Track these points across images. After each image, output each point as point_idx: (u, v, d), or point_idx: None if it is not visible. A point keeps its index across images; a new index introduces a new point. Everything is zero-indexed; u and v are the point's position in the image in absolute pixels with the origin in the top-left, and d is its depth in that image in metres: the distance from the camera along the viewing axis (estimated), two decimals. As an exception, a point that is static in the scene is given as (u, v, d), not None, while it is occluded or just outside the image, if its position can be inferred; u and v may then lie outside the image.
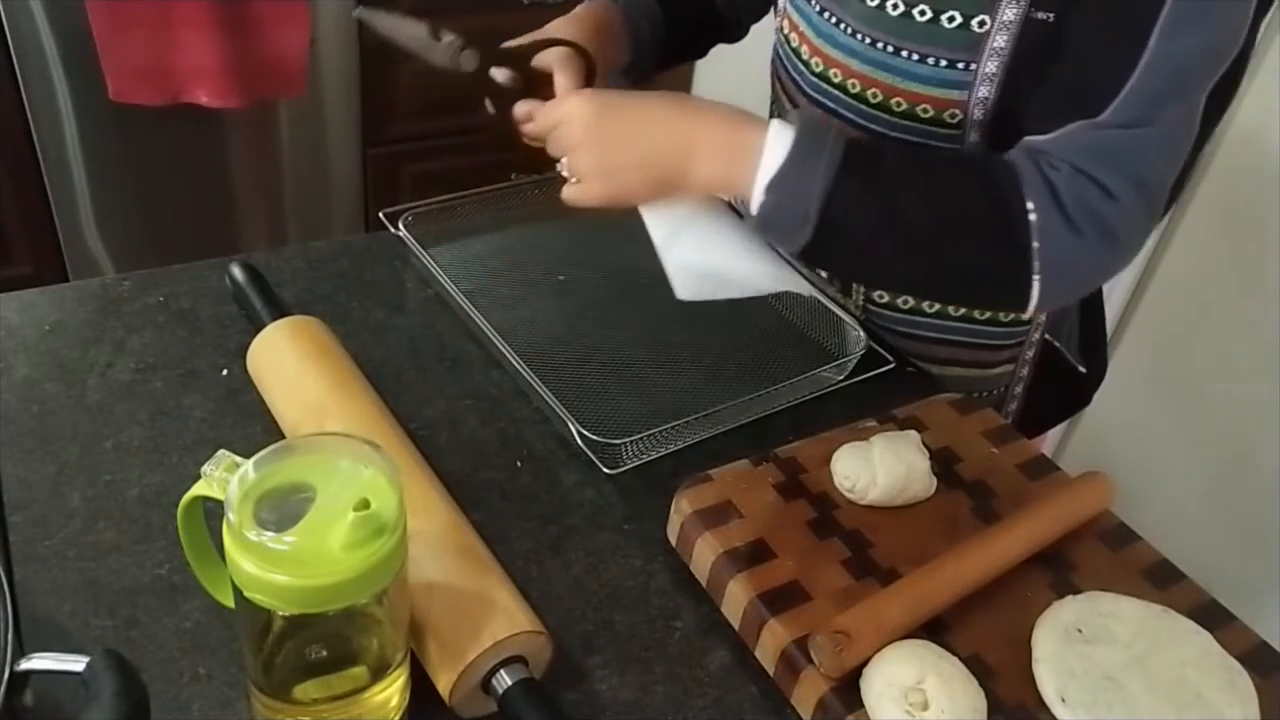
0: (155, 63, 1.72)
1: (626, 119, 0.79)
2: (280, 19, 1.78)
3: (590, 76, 0.88)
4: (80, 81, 1.74)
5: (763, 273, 0.87)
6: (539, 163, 0.89)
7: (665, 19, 1.03)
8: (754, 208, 0.77)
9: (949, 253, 0.77)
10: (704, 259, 0.85)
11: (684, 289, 0.84)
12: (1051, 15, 0.76)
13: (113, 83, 1.72)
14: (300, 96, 1.89)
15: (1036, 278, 0.74)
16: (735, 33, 1.13)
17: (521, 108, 0.86)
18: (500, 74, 0.84)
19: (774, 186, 0.76)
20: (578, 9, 0.98)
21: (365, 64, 1.96)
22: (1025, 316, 0.78)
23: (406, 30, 0.83)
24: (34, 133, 1.77)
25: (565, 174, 0.83)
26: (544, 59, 0.87)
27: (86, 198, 1.87)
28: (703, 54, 1.13)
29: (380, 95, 2.01)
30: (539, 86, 0.85)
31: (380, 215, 1.00)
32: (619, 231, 1.09)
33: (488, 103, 0.87)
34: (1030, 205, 0.73)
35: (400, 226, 0.99)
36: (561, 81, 0.85)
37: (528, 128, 0.84)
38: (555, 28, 0.93)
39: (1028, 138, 0.77)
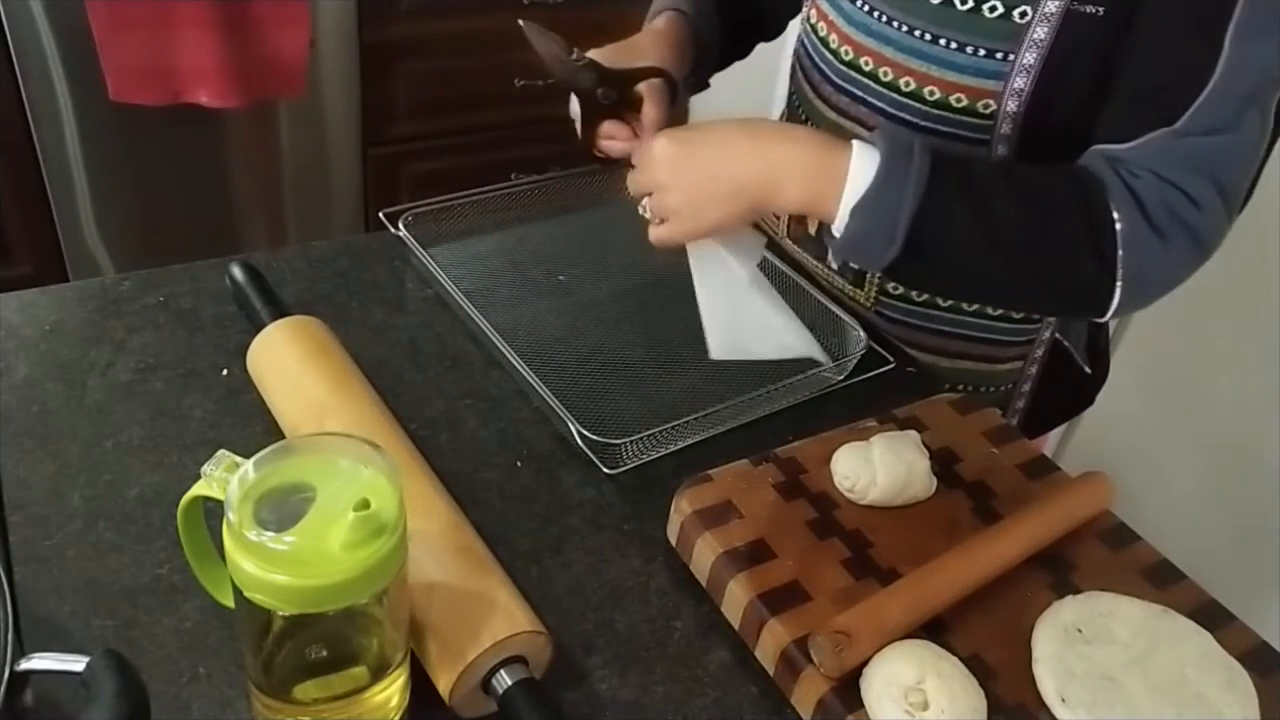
0: (155, 63, 1.72)
1: (711, 155, 0.79)
2: (280, 19, 1.78)
3: (672, 101, 0.91)
4: (80, 81, 1.74)
5: (790, 341, 0.87)
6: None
7: (722, 25, 1.04)
8: (837, 231, 0.77)
9: (1036, 265, 0.77)
10: (739, 322, 0.86)
11: (718, 350, 0.85)
12: (1101, 9, 0.77)
13: (113, 83, 1.72)
14: (300, 96, 1.89)
15: (1119, 285, 0.75)
16: (775, 31, 1.14)
17: (617, 137, 0.88)
18: (600, 92, 0.88)
19: (859, 211, 0.75)
20: (658, 23, 0.99)
21: (365, 64, 1.96)
22: (1100, 320, 0.79)
23: (548, 43, 0.87)
24: (34, 133, 1.77)
25: (647, 215, 0.83)
26: (639, 85, 0.89)
27: (86, 198, 1.87)
28: (748, 53, 1.14)
29: (380, 95, 2.01)
30: (627, 107, 0.89)
31: (380, 215, 1.00)
32: (619, 231, 1.10)
33: (573, 103, 0.90)
34: (1116, 215, 0.73)
35: (400, 226, 0.99)
36: (650, 113, 0.87)
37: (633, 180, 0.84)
38: (644, 45, 0.95)
39: (1102, 146, 0.78)
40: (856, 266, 0.97)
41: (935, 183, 0.73)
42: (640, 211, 0.84)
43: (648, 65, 0.90)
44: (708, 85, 1.09)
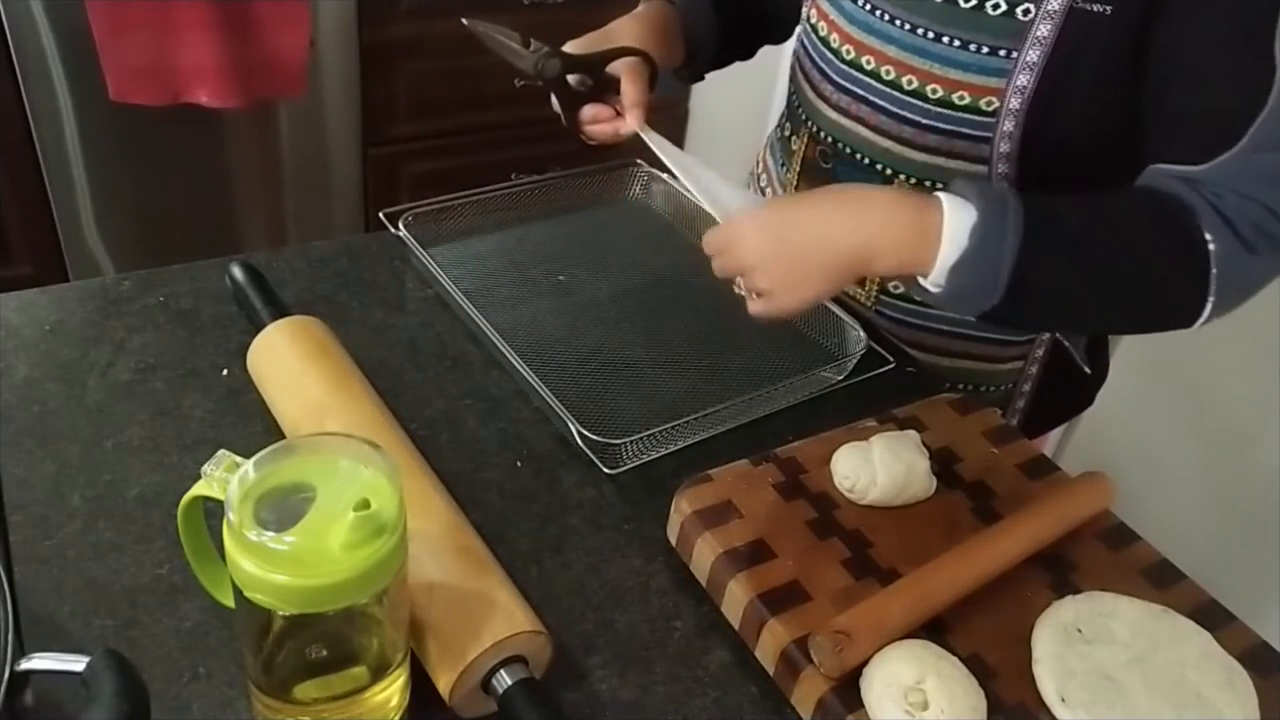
0: (155, 63, 1.72)
1: (802, 233, 0.77)
2: (280, 19, 1.78)
3: (653, 81, 0.92)
4: (80, 81, 1.74)
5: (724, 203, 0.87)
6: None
7: (719, 21, 1.05)
8: (934, 287, 0.77)
9: (1138, 295, 0.78)
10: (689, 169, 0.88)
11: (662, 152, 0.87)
12: (1109, 8, 0.77)
13: (113, 83, 1.72)
14: (300, 96, 1.89)
15: (1211, 300, 0.76)
16: (782, 33, 1.14)
17: (600, 118, 0.91)
18: (574, 79, 0.89)
19: (959, 269, 0.75)
20: (639, 9, 1.00)
21: (365, 64, 1.96)
22: (1189, 330, 0.82)
23: (499, 37, 0.89)
24: (34, 133, 1.77)
25: (741, 292, 0.82)
26: (614, 67, 0.91)
27: (86, 198, 1.87)
28: (751, 55, 1.14)
29: (380, 95, 2.01)
30: (606, 90, 0.90)
31: (380, 215, 1.00)
32: (619, 231, 1.10)
33: (554, 100, 0.91)
34: (1209, 237, 0.74)
35: (400, 226, 0.99)
36: (628, 91, 0.89)
37: (713, 259, 0.82)
38: (620, 29, 0.96)
39: (1168, 167, 0.77)
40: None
41: (1032, 232, 0.73)
42: (735, 289, 0.83)
43: (618, 46, 0.91)
44: (702, 78, 1.10)
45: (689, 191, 0.88)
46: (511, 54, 0.90)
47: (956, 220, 0.74)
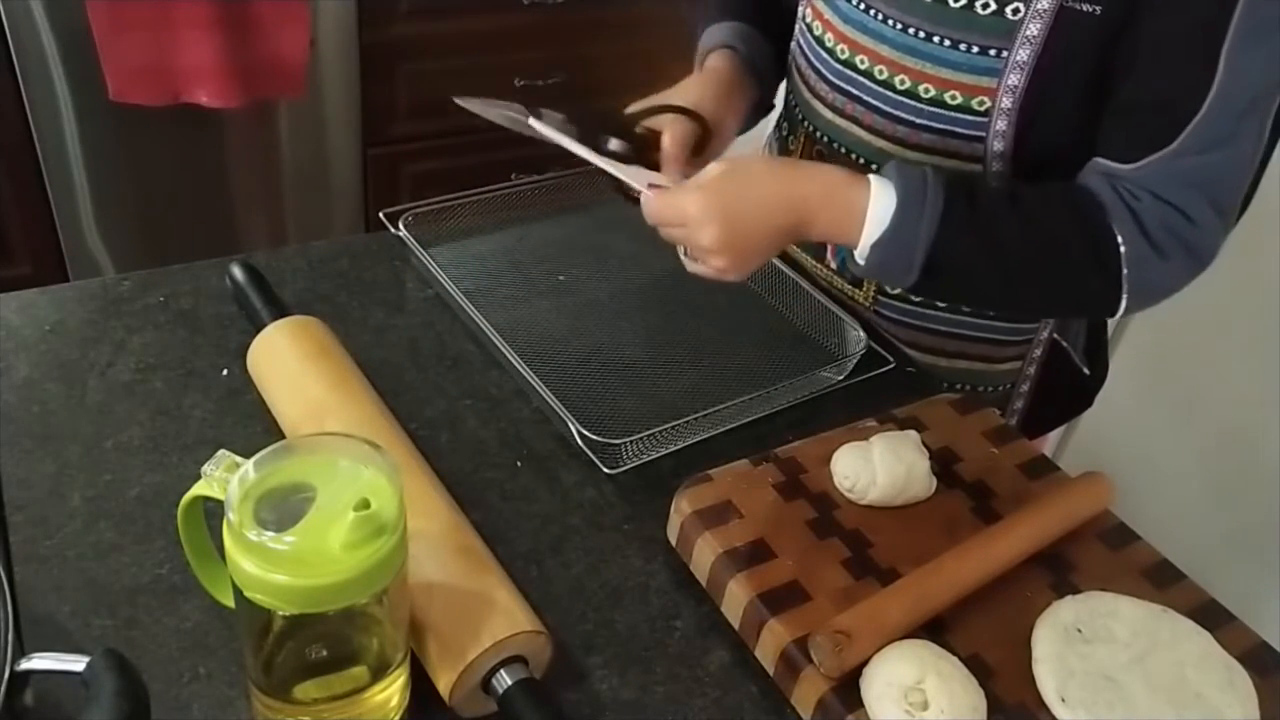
0: (155, 63, 1.72)
1: (749, 211, 0.81)
2: (280, 19, 1.78)
3: (706, 137, 0.93)
4: (80, 81, 1.74)
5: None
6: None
7: (775, 49, 1.05)
8: (860, 259, 0.82)
9: (1046, 284, 0.84)
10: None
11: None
12: (1098, 8, 0.78)
13: (113, 83, 1.72)
14: (300, 96, 1.88)
15: (1125, 297, 0.80)
16: None
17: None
18: (615, 144, 0.89)
19: (879, 245, 0.80)
20: (708, 66, 1.00)
21: (365, 64, 1.96)
22: (1110, 318, 0.89)
23: (500, 112, 0.89)
24: (34, 133, 1.77)
25: (684, 257, 0.86)
26: (656, 121, 0.91)
27: (86, 198, 1.87)
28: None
29: (380, 95, 2.01)
30: (649, 151, 0.89)
31: (380, 215, 1.00)
32: (619, 231, 1.10)
33: (605, 177, 0.89)
34: (1120, 238, 0.78)
35: (400, 226, 0.99)
36: (666, 147, 0.90)
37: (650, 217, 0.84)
38: (679, 90, 0.95)
39: (1102, 161, 0.81)
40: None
41: (948, 216, 0.78)
42: (681, 256, 0.86)
43: (660, 104, 0.91)
44: (773, 107, 1.09)
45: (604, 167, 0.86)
46: (519, 126, 0.89)
47: (879, 202, 0.80)
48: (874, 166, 0.94)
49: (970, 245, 0.80)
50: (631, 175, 0.85)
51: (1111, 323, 1.65)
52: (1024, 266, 0.81)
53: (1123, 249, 0.78)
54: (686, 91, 0.95)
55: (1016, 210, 0.80)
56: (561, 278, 1.02)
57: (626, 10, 2.09)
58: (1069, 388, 1.07)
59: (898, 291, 0.99)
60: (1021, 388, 1.05)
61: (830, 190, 0.81)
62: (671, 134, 0.90)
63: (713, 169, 0.81)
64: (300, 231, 2.10)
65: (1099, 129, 0.82)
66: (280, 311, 0.86)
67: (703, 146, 0.93)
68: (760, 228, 0.81)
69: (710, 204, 0.80)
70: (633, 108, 0.93)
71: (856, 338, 0.94)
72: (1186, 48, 0.76)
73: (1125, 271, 0.79)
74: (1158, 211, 0.78)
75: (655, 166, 0.90)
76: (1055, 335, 1.03)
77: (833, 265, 1.03)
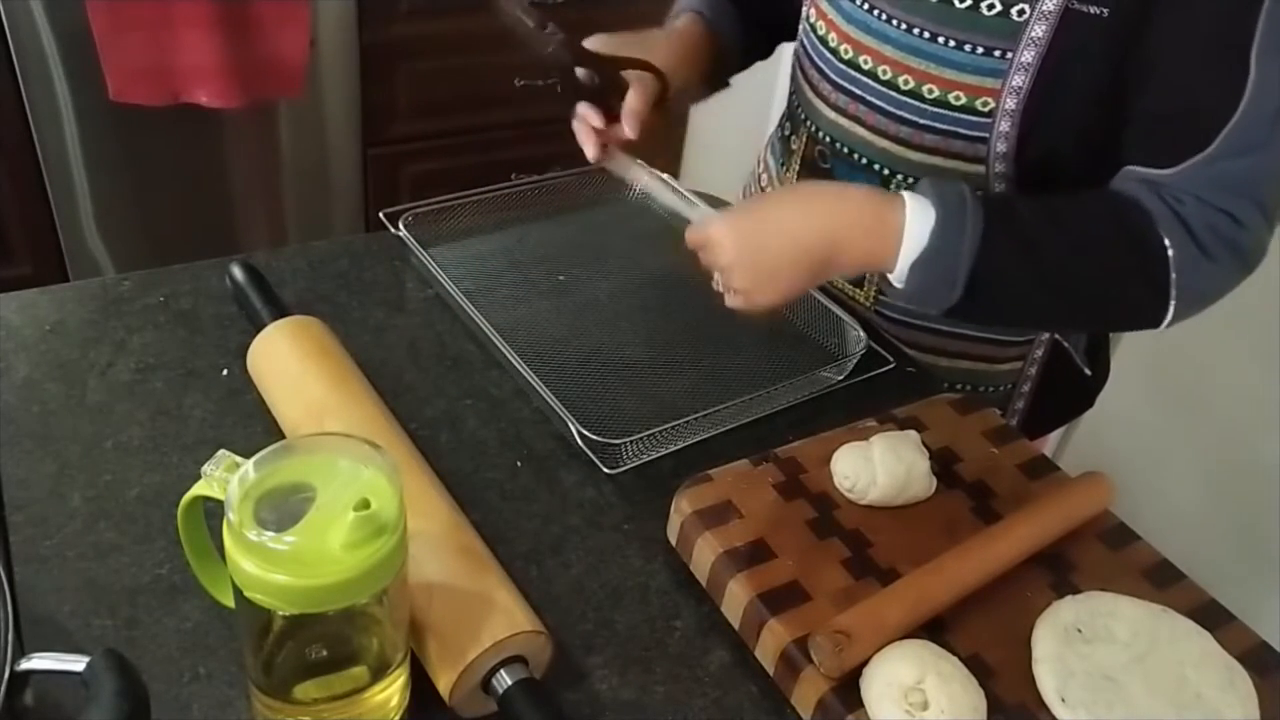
0: (155, 63, 1.72)
1: (770, 232, 0.80)
2: (280, 19, 1.78)
3: (663, 96, 0.93)
4: (80, 81, 1.74)
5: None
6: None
7: (744, 27, 1.05)
8: (897, 283, 0.80)
9: (1094, 295, 0.82)
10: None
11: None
12: (1105, 11, 0.78)
13: (113, 83, 1.72)
14: (300, 96, 1.88)
15: (1172, 304, 0.79)
16: (793, 33, 1.14)
17: (589, 119, 0.91)
18: (583, 74, 0.90)
19: (918, 266, 0.78)
20: (677, 25, 1.01)
21: (365, 64, 1.96)
22: (1155, 332, 0.86)
23: (520, 14, 0.89)
24: (34, 133, 1.77)
25: (719, 289, 0.84)
26: (628, 74, 0.91)
27: (86, 198, 1.87)
28: (769, 55, 1.15)
29: (380, 95, 2.01)
30: (611, 94, 0.90)
31: (380, 215, 1.00)
32: (619, 231, 1.10)
33: (559, 87, 0.91)
34: (1167, 242, 0.76)
35: (400, 226, 0.99)
36: (630, 101, 0.90)
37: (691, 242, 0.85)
38: (653, 42, 0.96)
39: (1138, 169, 0.79)
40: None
41: (990, 234, 0.76)
42: (714, 286, 0.85)
43: (634, 58, 0.91)
44: (728, 84, 1.10)
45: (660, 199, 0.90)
46: (527, 33, 0.89)
47: (917, 220, 0.77)
48: (877, 167, 0.94)
49: (1015, 260, 0.78)
50: (684, 206, 0.89)
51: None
52: (1070, 279, 0.80)
53: (1170, 253, 0.76)
54: (654, 47, 0.96)
55: (1059, 221, 0.79)
56: (561, 278, 1.02)
57: (626, 10, 2.08)
58: (1070, 388, 1.07)
59: None
60: (1022, 388, 1.05)
61: (861, 211, 0.79)
62: (637, 90, 0.90)
63: (741, 202, 0.82)
64: (300, 231, 2.10)
65: (1122, 135, 0.82)
66: (280, 311, 0.86)
67: (659, 105, 0.94)
68: (784, 250, 0.79)
69: (731, 225, 0.80)
70: (598, 45, 0.92)
71: (856, 338, 0.94)
72: (1213, 53, 0.75)
73: (1174, 277, 0.77)
74: (1203, 214, 0.76)
75: (615, 109, 0.91)
76: (1056, 336, 1.03)
77: None
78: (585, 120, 0.91)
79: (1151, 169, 0.79)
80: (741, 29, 1.05)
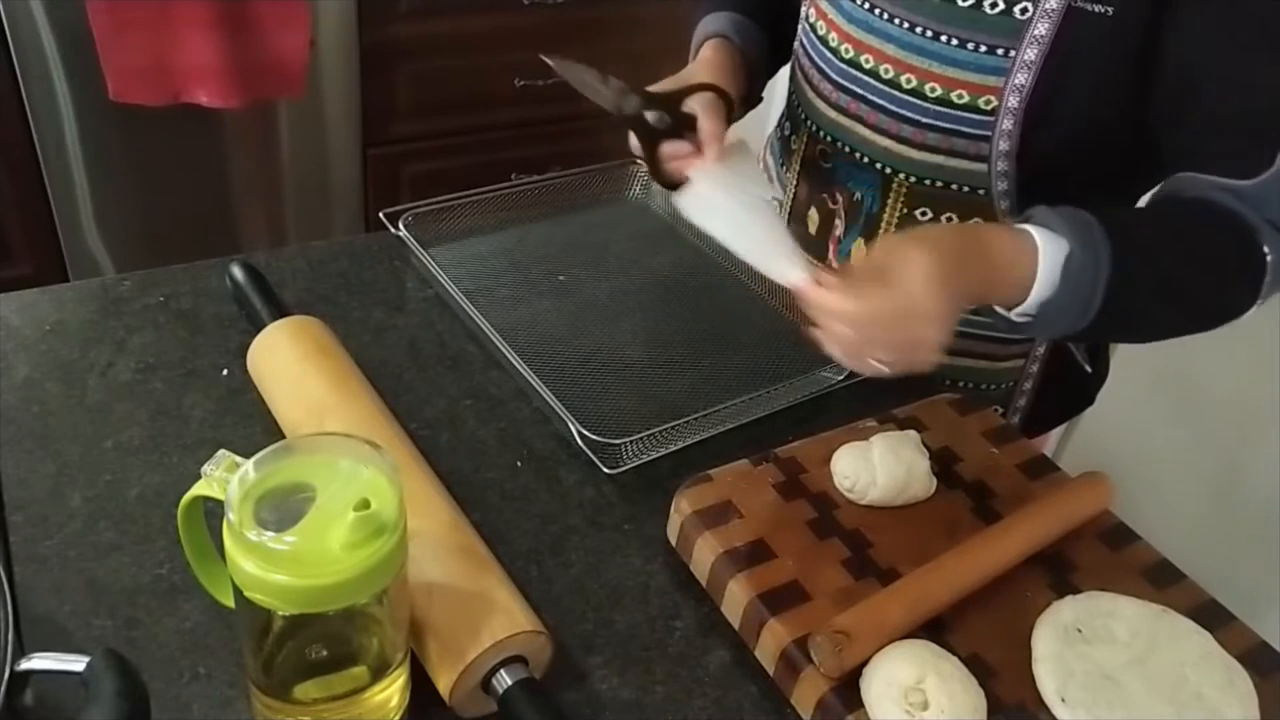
0: (155, 63, 1.72)
1: (907, 311, 0.69)
2: (280, 19, 1.78)
3: (729, 115, 0.91)
4: (80, 81, 1.74)
5: (767, 259, 0.81)
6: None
7: (767, 38, 1.05)
8: (1020, 317, 0.76)
9: (1206, 308, 0.83)
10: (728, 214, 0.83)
11: (692, 208, 0.84)
12: (1110, 9, 0.77)
13: (113, 83, 1.72)
14: (300, 96, 1.88)
15: (1258, 302, 0.81)
16: None
17: (679, 155, 0.88)
18: (653, 116, 0.88)
19: (1051, 303, 0.74)
20: (707, 53, 0.99)
21: (365, 64, 1.96)
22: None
23: (579, 74, 0.88)
24: (34, 133, 1.77)
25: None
26: (690, 104, 0.89)
27: (86, 198, 1.87)
28: (786, 61, 1.12)
29: (380, 95, 2.01)
30: (684, 128, 0.89)
31: (380, 215, 1.00)
32: (619, 231, 1.10)
33: (632, 138, 0.89)
34: (1266, 250, 0.78)
35: (400, 226, 0.99)
36: (705, 126, 0.87)
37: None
38: (695, 75, 0.95)
39: (1220, 179, 0.78)
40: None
41: (1120, 262, 0.73)
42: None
43: (695, 83, 0.90)
44: (761, 99, 1.09)
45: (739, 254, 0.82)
46: (590, 90, 0.88)
47: (1049, 257, 0.73)
48: (879, 166, 0.94)
49: (1145, 284, 0.77)
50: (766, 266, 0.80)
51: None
52: (1191, 297, 0.80)
53: (1269, 259, 0.78)
54: (696, 77, 0.94)
55: (1179, 240, 0.78)
56: (561, 278, 1.02)
57: (626, 10, 2.09)
58: (1071, 385, 1.07)
59: None
60: (1024, 386, 1.05)
61: (990, 260, 0.73)
62: (709, 115, 0.87)
63: (846, 272, 0.73)
64: (300, 231, 2.10)
65: (1180, 160, 0.81)
66: (280, 311, 0.86)
67: (728, 123, 0.92)
68: (923, 330, 0.69)
69: (859, 306, 0.69)
70: (661, 86, 0.91)
71: (856, 338, 0.94)
72: (1258, 54, 0.75)
73: (1267, 279, 0.79)
74: None
75: (689, 141, 0.88)
76: None
77: (835, 265, 1.03)
78: (678, 155, 0.87)
79: (1234, 179, 0.77)
80: (766, 40, 1.05)
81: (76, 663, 0.53)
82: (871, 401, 0.88)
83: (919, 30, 0.86)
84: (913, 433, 0.80)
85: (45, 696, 0.58)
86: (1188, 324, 0.85)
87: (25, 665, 0.54)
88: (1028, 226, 0.75)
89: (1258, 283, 0.78)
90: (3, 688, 0.53)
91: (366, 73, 1.97)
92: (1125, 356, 1.65)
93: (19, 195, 1.82)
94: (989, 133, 0.86)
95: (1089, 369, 1.06)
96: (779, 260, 0.77)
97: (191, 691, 0.62)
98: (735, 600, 0.69)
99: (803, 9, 1.00)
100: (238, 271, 0.91)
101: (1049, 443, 1.60)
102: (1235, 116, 0.78)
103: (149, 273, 0.96)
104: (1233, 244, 0.78)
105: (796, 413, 0.89)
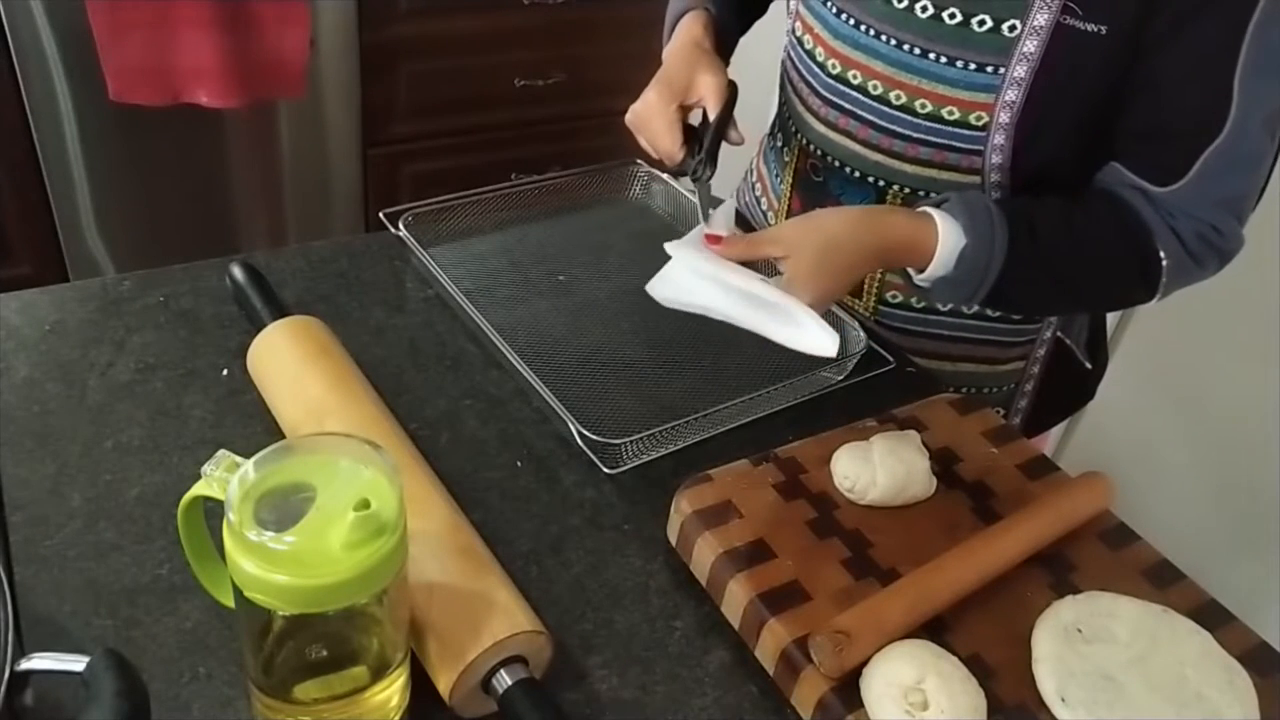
0: (155, 63, 1.72)
1: (846, 252, 0.81)
2: (280, 19, 1.78)
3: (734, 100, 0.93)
4: (80, 81, 1.74)
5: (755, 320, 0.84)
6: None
7: (738, 6, 1.06)
8: (924, 282, 0.85)
9: (1097, 299, 0.95)
10: (706, 279, 0.83)
11: (662, 291, 0.83)
12: (1104, 29, 0.79)
13: (113, 83, 1.72)
14: (300, 96, 1.89)
15: (1157, 296, 0.86)
16: None
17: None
18: (735, 135, 0.91)
19: (944, 280, 0.83)
20: (696, 32, 0.97)
21: (365, 64, 1.96)
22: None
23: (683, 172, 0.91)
24: (34, 133, 1.77)
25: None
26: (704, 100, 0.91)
27: (86, 198, 1.87)
28: (765, 12, 1.12)
29: (380, 95, 2.01)
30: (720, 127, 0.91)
31: (380, 215, 1.00)
32: (619, 231, 1.10)
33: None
34: (1162, 254, 0.83)
35: (400, 226, 0.99)
36: (718, 113, 0.90)
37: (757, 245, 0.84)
38: (700, 66, 0.93)
39: (1134, 178, 0.83)
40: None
41: (1013, 254, 0.81)
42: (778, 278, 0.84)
43: (724, 95, 0.90)
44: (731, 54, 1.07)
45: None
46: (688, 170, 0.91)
47: (946, 242, 0.81)
48: (871, 179, 0.94)
49: (1033, 275, 0.84)
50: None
51: (1111, 319, 1.66)
52: (1079, 288, 0.88)
53: (1165, 263, 0.83)
54: (703, 65, 0.93)
55: (1073, 237, 0.83)
56: (561, 278, 1.02)
57: (626, 10, 2.09)
58: (1071, 382, 1.08)
59: (898, 299, 0.99)
60: (1025, 386, 1.05)
61: (905, 232, 0.83)
62: (717, 106, 0.90)
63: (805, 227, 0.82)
64: (300, 231, 2.10)
65: (1113, 146, 0.84)
66: (280, 311, 0.86)
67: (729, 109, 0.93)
68: (854, 270, 0.83)
69: (814, 240, 0.81)
70: (671, 90, 0.91)
71: (857, 338, 0.94)
72: (1199, 80, 0.78)
73: (1164, 280, 0.84)
74: (1192, 227, 0.82)
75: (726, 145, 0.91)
76: (1059, 334, 1.03)
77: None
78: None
79: (1148, 183, 0.82)
80: (737, 5, 1.05)
81: (76, 663, 0.53)
82: (871, 401, 0.88)
83: (906, 47, 0.86)
84: (913, 433, 0.80)
85: (45, 696, 0.58)
86: (1075, 307, 0.99)
87: (25, 665, 0.54)
88: (932, 212, 0.82)
89: (1154, 282, 0.84)
90: (3, 688, 0.53)
91: (366, 73, 1.97)
92: (1126, 357, 1.65)
93: (19, 195, 1.82)
94: (981, 147, 0.86)
95: (1088, 365, 1.07)
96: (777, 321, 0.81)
97: (191, 691, 0.62)
98: (735, 600, 0.69)
99: (789, 22, 1.00)
100: (238, 271, 0.91)
101: (1049, 443, 1.60)
102: (1162, 130, 0.81)
103: (149, 273, 0.96)
104: (1130, 245, 0.83)
105: (796, 413, 0.89)
